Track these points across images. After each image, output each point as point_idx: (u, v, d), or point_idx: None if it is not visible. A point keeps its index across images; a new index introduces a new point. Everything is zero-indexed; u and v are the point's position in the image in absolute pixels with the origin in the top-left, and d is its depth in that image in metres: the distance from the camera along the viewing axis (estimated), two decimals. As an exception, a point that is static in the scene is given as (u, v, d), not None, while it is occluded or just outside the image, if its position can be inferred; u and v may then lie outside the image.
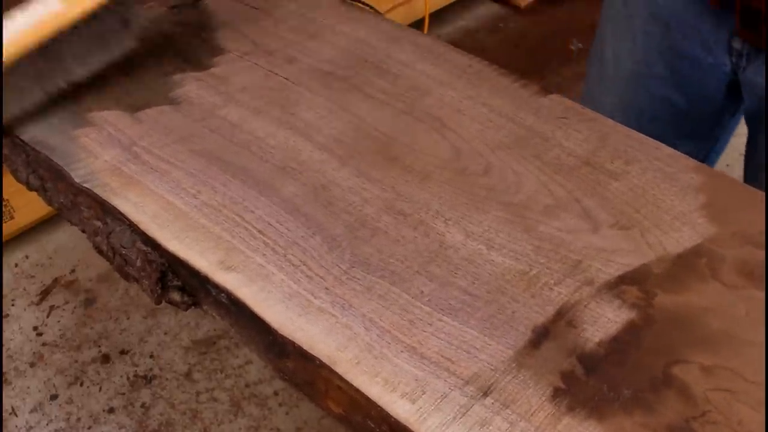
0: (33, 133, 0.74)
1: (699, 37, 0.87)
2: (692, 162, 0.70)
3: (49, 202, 0.75)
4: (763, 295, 0.58)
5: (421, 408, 0.52)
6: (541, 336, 0.56)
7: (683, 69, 0.91)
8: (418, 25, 2.08)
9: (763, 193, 0.66)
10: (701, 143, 0.97)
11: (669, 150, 0.71)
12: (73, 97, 0.77)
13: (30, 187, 0.76)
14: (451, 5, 2.36)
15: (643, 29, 0.93)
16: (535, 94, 0.77)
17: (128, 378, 1.46)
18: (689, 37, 0.88)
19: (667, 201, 0.66)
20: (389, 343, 0.55)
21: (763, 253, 0.61)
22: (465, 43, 2.28)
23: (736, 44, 0.85)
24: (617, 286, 0.59)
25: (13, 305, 1.59)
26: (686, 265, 0.61)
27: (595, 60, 1.03)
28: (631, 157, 0.70)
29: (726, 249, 0.62)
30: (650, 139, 0.72)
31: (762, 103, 0.87)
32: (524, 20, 2.45)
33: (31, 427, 1.39)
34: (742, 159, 0.96)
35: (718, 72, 0.88)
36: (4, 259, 1.67)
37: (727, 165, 1.00)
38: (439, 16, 2.33)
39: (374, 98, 0.77)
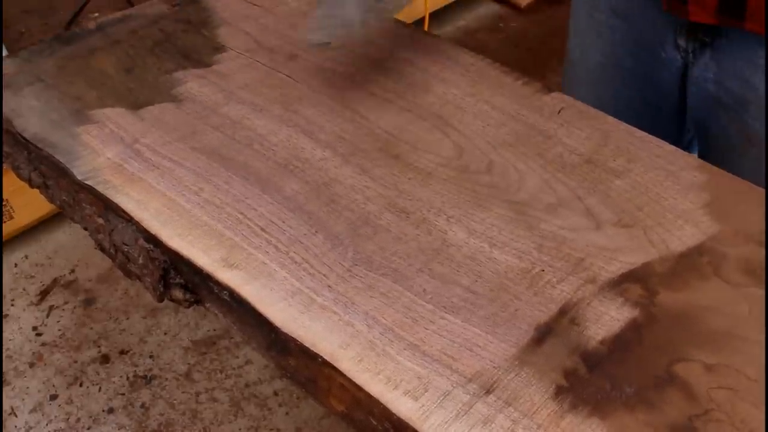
0: (35, 131, 0.74)
1: (654, 31, 0.85)
2: (695, 160, 0.70)
3: (51, 200, 0.75)
4: (765, 292, 0.58)
5: (423, 406, 0.51)
6: (543, 334, 0.56)
7: (646, 62, 0.89)
8: (418, 24, 2.08)
9: (765, 191, 0.66)
10: (679, 136, 0.95)
11: (671, 148, 0.71)
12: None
13: (32, 185, 0.76)
14: (451, 5, 2.35)
15: (607, 23, 0.92)
16: (537, 93, 0.77)
17: (128, 378, 1.46)
18: (647, 31, 0.87)
19: (669, 199, 0.66)
20: (392, 341, 0.55)
21: (764, 251, 0.61)
22: (465, 42, 2.27)
23: (681, 41, 0.83)
24: (620, 284, 0.59)
25: (12, 305, 1.59)
26: (689, 264, 0.61)
27: (567, 59, 1.03)
28: (634, 155, 0.70)
29: (728, 247, 0.62)
30: (652, 137, 0.72)
31: (707, 106, 0.85)
32: (524, 20, 2.45)
33: (30, 428, 1.38)
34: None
35: (672, 67, 0.86)
36: (4, 259, 1.67)
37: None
38: (439, 16, 2.33)
39: (376, 96, 0.77)
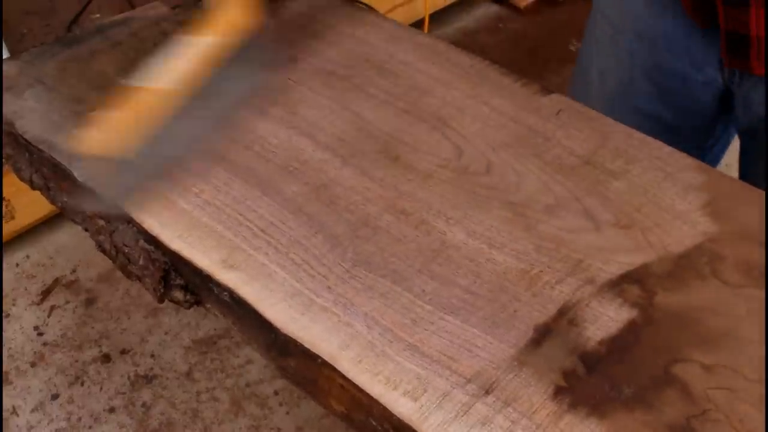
0: (36, 132, 0.74)
1: (688, 55, 0.85)
2: (693, 161, 0.70)
3: (52, 201, 0.75)
4: (763, 293, 0.58)
5: (422, 406, 0.52)
6: (542, 334, 0.56)
7: (671, 85, 0.89)
8: (417, 25, 2.08)
9: (763, 192, 0.66)
10: (695, 155, 0.95)
11: (669, 149, 0.71)
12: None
13: (33, 186, 0.76)
14: (450, 6, 2.35)
15: (629, 48, 0.91)
16: (536, 94, 0.78)
17: (129, 377, 1.46)
18: (678, 55, 0.86)
19: (667, 200, 0.66)
20: (391, 342, 0.56)
21: (763, 251, 0.61)
22: (465, 43, 2.28)
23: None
24: (618, 285, 0.59)
25: (14, 305, 1.60)
26: (687, 264, 0.61)
27: (579, 79, 1.01)
28: (632, 156, 0.70)
29: (727, 248, 0.62)
30: (651, 139, 0.72)
31: (757, 120, 0.85)
32: (524, 21, 2.45)
33: (32, 427, 1.39)
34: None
35: (710, 88, 0.86)
36: (5, 259, 1.67)
37: (726, 164, 1.00)
38: (438, 17, 2.33)
39: (376, 98, 0.78)
